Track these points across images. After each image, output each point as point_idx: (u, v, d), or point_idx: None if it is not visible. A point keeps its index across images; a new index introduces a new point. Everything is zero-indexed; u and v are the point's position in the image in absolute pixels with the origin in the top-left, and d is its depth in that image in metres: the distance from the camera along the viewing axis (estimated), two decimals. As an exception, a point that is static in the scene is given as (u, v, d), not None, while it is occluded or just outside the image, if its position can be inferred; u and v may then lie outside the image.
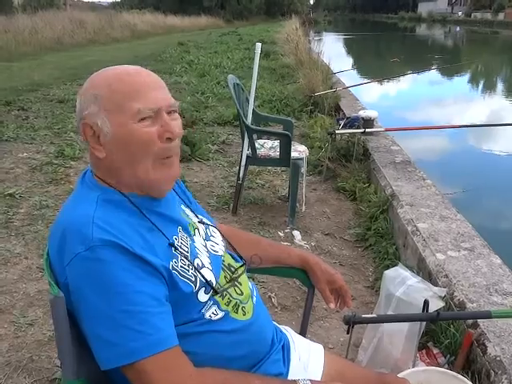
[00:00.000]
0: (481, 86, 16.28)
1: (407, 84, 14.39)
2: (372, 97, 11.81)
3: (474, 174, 6.39)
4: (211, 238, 1.21)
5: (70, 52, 15.35)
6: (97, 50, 16.30)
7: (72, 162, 4.66)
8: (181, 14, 39.00)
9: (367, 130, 4.35)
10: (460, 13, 77.88)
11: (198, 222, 1.22)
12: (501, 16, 61.43)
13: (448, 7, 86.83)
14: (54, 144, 5.23)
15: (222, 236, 1.27)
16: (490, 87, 15.61)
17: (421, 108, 10.87)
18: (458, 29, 57.32)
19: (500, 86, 16.28)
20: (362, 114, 4.89)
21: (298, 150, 3.59)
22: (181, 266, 1.02)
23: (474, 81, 17.43)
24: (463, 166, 6.73)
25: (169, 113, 1.03)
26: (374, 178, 4.01)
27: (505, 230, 4.74)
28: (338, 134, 4.34)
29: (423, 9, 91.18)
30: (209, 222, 1.26)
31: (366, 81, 11.29)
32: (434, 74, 16.29)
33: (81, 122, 1.01)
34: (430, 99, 12.19)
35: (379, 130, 4.51)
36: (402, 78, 14.04)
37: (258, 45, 3.55)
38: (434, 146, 7.37)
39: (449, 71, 17.07)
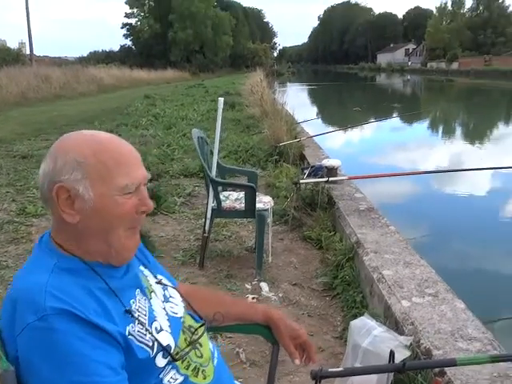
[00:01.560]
0: (440, 131, 16.96)
1: (371, 131, 14.86)
2: (336, 145, 12.14)
3: (436, 218, 6.56)
4: (170, 299, 1.20)
5: (35, 107, 15.34)
6: (63, 105, 16.35)
7: (34, 220, 4.58)
8: (147, 68, 39.73)
9: (331, 178, 4.45)
10: (416, 63, 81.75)
11: (156, 282, 1.21)
12: (455, 65, 64.83)
13: (405, 58, 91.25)
14: (15, 201, 5.14)
15: (182, 296, 1.26)
16: (448, 132, 16.27)
17: (384, 154, 11.22)
18: (408, 77, 60.12)
19: (458, 131, 17.00)
20: (325, 162, 5.00)
21: (263, 201, 3.64)
22: (138, 331, 1.01)
23: (433, 127, 18.16)
24: (426, 210, 6.90)
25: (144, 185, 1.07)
26: (339, 226, 4.07)
27: (467, 272, 4.83)
28: (303, 183, 4.42)
29: (382, 59, 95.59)
30: (168, 283, 1.26)
31: (330, 129, 11.66)
32: (396, 121, 16.93)
33: (56, 184, 0.99)
34: (392, 145, 12.60)
35: (343, 178, 4.62)
36: (365, 125, 14.56)
37: (221, 100, 3.64)
38: (398, 192, 7.57)
39: (410, 118, 17.79)
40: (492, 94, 35.45)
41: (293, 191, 4.49)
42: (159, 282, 1.22)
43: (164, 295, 1.19)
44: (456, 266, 4.94)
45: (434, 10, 79.51)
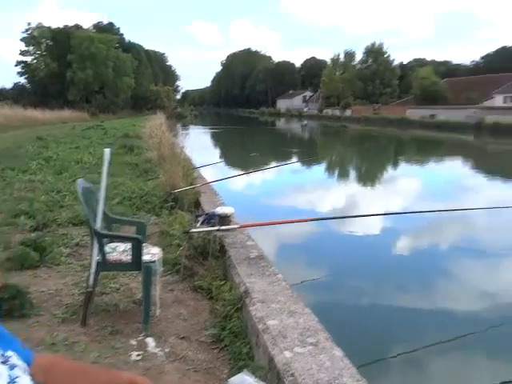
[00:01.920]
0: (336, 174, 17.92)
1: (271, 176, 15.32)
2: (237, 190, 12.34)
3: (331, 259, 6.86)
4: (16, 379, 1.12)
5: None
6: None
7: None
8: (42, 108, 38.12)
9: (222, 227, 4.49)
10: (313, 109, 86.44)
11: (2, 362, 1.13)
12: (348, 112, 69.40)
13: (303, 104, 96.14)
14: None
15: (32, 376, 1.18)
16: (343, 176, 17.24)
17: (284, 198, 11.58)
18: (305, 122, 63.55)
19: (352, 175, 18.07)
20: (218, 210, 5.04)
21: (151, 253, 3.57)
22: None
23: (330, 170, 19.16)
24: (321, 253, 7.18)
25: None
26: (229, 275, 4.09)
27: (357, 311, 5.07)
28: (193, 232, 4.41)
29: (281, 105, 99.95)
30: (16, 361, 1.17)
31: (231, 174, 11.83)
32: (295, 165, 17.66)
33: None
34: (292, 189, 13.06)
35: (234, 227, 4.67)
36: (266, 170, 15.01)
37: (107, 151, 3.58)
38: (295, 236, 7.80)
39: (309, 162, 18.68)
40: (380, 139, 38.30)
41: (184, 240, 4.46)
42: (6, 362, 1.14)
43: (10, 375, 1.11)
44: (349, 304, 5.17)
45: (329, 61, 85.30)
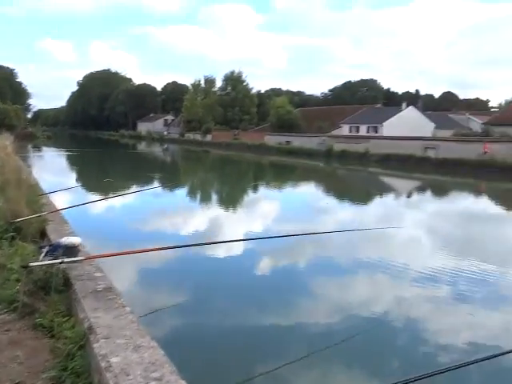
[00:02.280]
0: (198, 199, 18.01)
1: (132, 201, 14.86)
2: (92, 217, 11.77)
3: (187, 287, 6.82)
4: None
5: None
6: None
7: None
8: None
9: (66, 259, 4.22)
10: (175, 133, 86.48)
11: None
12: (209, 137, 70.67)
13: (164, 127, 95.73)
14: None
15: None
16: (206, 200, 17.39)
17: (144, 225, 11.25)
18: (166, 146, 63.63)
19: (214, 199, 18.31)
20: (64, 241, 4.74)
21: (-20, 292, 3.22)
22: None
23: (192, 195, 19.21)
24: (179, 280, 7.11)
25: None
26: (74, 310, 3.84)
27: (220, 334, 5.07)
28: (33, 266, 4.09)
29: (142, 128, 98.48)
30: None
31: (86, 200, 11.20)
32: (157, 190, 17.41)
33: None
34: (154, 215, 12.76)
35: (79, 258, 4.43)
36: (127, 195, 14.57)
37: None
38: (150, 264, 7.61)
39: (171, 187, 18.57)
40: (241, 164, 39.57)
41: (23, 274, 4.10)
42: None
43: None
44: (209, 328, 5.16)
45: (190, 86, 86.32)
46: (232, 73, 79.35)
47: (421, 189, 24.61)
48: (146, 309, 5.48)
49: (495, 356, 3.62)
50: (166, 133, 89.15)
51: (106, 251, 5.06)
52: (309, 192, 21.23)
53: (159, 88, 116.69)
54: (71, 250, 4.63)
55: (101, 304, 3.73)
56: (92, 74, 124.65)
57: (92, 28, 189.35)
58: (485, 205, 19.10)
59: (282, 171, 34.30)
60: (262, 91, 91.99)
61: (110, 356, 2.87)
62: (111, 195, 14.39)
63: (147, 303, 5.79)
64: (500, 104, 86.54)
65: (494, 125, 43.14)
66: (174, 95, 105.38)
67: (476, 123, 55.79)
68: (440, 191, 23.30)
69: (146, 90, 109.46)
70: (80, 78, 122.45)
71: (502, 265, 8.52)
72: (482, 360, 3.40)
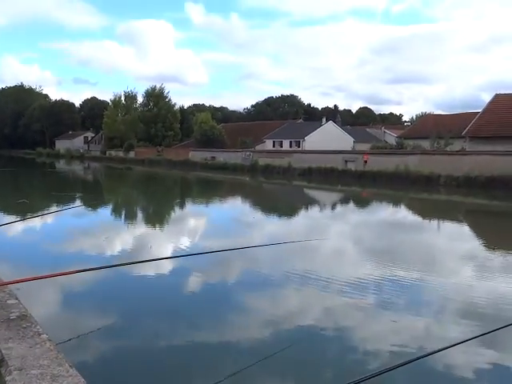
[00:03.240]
0: (123, 216, 17.45)
1: (52, 221, 14.18)
2: (6, 241, 11.01)
3: (113, 309, 6.51)
4: None
5: None
6: None
7: None
8: None
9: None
10: (96, 151, 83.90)
11: None
12: (132, 154, 69.19)
13: (85, 145, 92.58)
14: None
15: None
16: (131, 218, 16.87)
17: (66, 246, 10.68)
18: (87, 164, 61.92)
19: (139, 216, 17.82)
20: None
21: None
22: None
23: (117, 213, 18.59)
24: (104, 302, 6.79)
25: None
26: (-17, 342, 3.52)
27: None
28: None
29: (61, 145, 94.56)
30: None
31: (3, 221, 10.51)
32: (79, 209, 16.73)
33: None
34: (75, 235, 12.14)
35: (-11, 284, 4.09)
36: (46, 216, 13.88)
37: None
38: (74, 287, 7.22)
39: (94, 205, 17.88)
40: (166, 180, 39.00)
41: None
42: None
43: None
44: (137, 349, 4.93)
45: (110, 103, 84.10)
46: (153, 89, 78.37)
47: (343, 200, 25.44)
48: (67, 335, 5.17)
49: (419, 358, 3.73)
50: (82, 150, 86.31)
51: (22, 276, 4.72)
52: (236, 207, 21.28)
53: (78, 104, 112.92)
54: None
55: (14, 333, 3.46)
56: (3, 89, 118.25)
57: (3, 42, 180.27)
58: (403, 214, 20.05)
59: (209, 186, 34.18)
60: (185, 107, 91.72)
61: (24, 389, 2.64)
62: (29, 216, 13.62)
63: (68, 329, 5.47)
64: (412, 118, 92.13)
65: (408, 138, 45.72)
66: (93, 112, 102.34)
67: (391, 136, 58.78)
68: (361, 202, 24.20)
69: (63, 106, 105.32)
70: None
71: (422, 271, 8.92)
72: (408, 363, 3.49)
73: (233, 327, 5.95)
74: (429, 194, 27.58)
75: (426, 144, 38.76)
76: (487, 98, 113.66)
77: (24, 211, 14.92)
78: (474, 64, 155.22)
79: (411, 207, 22.38)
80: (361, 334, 5.76)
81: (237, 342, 5.45)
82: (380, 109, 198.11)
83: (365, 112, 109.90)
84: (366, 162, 37.38)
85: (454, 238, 13.43)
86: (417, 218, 18.82)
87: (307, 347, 5.37)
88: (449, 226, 16.25)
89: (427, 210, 20.98)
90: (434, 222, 17.37)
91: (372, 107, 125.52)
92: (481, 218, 18.58)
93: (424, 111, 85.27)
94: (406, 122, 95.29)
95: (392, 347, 5.34)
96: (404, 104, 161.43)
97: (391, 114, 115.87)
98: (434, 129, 40.33)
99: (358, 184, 32.97)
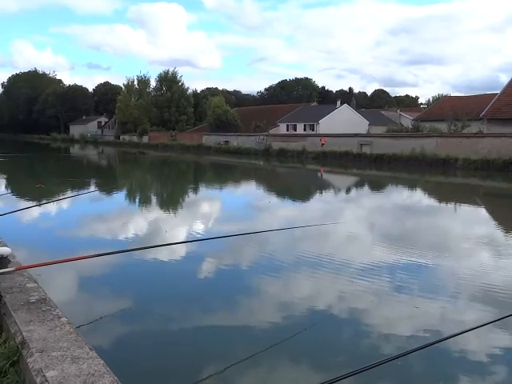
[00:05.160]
0: (138, 201, 17.58)
1: (69, 207, 14.38)
2: (25, 226, 11.21)
3: (130, 293, 6.62)
4: None
5: None
6: None
7: None
8: None
9: (-6, 270, 3.97)
10: (109, 136, 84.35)
11: None
12: (145, 139, 69.45)
13: (98, 130, 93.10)
14: None
15: None
16: (145, 202, 17.00)
17: (82, 230, 10.81)
18: (101, 149, 61.97)
19: (155, 201, 17.94)
20: (-8, 251, 4.47)
21: None
22: None
23: (131, 197, 18.75)
24: (121, 286, 6.89)
25: None
26: (4, 325, 3.62)
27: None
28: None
29: (75, 131, 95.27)
30: None
31: (17, 208, 10.63)
32: (95, 194, 16.95)
33: None
34: (92, 220, 12.27)
35: (9, 269, 4.18)
36: (62, 201, 14.07)
37: None
38: (90, 272, 7.32)
39: (109, 190, 18.08)
40: (179, 165, 39.12)
41: None
42: None
43: None
44: (155, 333, 5.02)
45: (123, 87, 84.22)
46: (166, 73, 78.31)
47: (358, 184, 25.32)
48: (85, 318, 5.27)
49: (435, 343, 3.75)
50: (100, 135, 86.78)
51: (39, 261, 4.82)
52: (250, 191, 21.30)
53: (91, 89, 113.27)
54: (1, 262, 4.37)
55: (34, 316, 3.54)
56: (17, 75, 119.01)
57: (15, 28, 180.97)
58: (419, 197, 19.92)
59: (222, 171, 34.24)
60: (198, 91, 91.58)
61: (45, 370, 2.72)
62: (44, 201, 13.81)
63: (86, 312, 5.57)
64: (428, 100, 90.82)
65: (424, 120, 45.18)
66: (107, 96, 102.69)
67: (407, 119, 58.15)
68: (376, 186, 24.07)
69: (77, 91, 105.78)
70: (4, 79, 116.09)
71: (438, 255, 8.89)
72: (423, 347, 3.51)
73: (246, 312, 6.01)
74: (445, 177, 27.33)
75: (442, 127, 38.29)
76: (505, 79, 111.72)
77: (40, 196, 15.10)
78: (491, 45, 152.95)
79: (427, 190, 22.21)
80: (375, 318, 5.78)
81: (250, 326, 5.51)
82: (395, 91, 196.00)
83: (380, 94, 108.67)
84: (323, 144, 41.21)
85: (472, 222, 13.33)
86: (433, 202, 18.67)
87: (321, 331, 5.40)
88: (466, 210, 16.11)
89: (444, 194, 20.80)
90: (451, 206, 17.23)
91: (387, 89, 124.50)
92: (499, 201, 18.37)
93: (441, 93, 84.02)
94: (422, 104, 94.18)
95: (407, 332, 5.36)
96: (420, 86, 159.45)
97: (407, 96, 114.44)
98: (451, 111, 39.75)
99: (373, 167, 32.76)
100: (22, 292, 4.05)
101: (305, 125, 58.27)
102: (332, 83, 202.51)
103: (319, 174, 31.74)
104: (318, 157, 39.02)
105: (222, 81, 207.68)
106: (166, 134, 66.79)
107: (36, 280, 4.43)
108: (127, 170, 35.93)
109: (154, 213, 14.28)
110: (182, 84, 78.56)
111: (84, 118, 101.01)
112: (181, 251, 8.78)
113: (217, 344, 4.96)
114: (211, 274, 7.77)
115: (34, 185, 17.07)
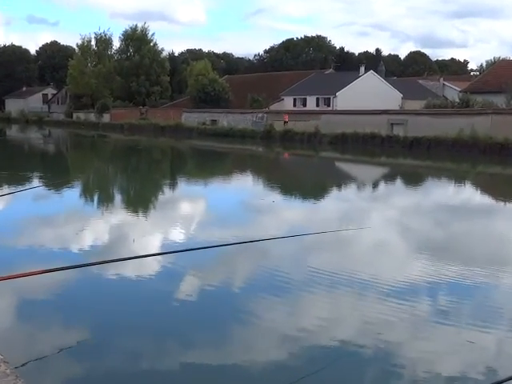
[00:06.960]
0: (96, 200, 17.56)
1: (5, 206, 14.37)
2: None
3: (86, 320, 6.62)
4: None
5: None
6: None
7: None
8: None
9: None
10: (59, 113, 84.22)
11: None
12: (106, 117, 69.47)
13: (44, 105, 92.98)
14: None
15: None
16: (106, 201, 16.97)
17: (20, 239, 10.80)
18: (48, 131, 61.88)
19: (117, 199, 17.93)
20: None
21: None
22: None
23: (87, 195, 18.71)
24: (74, 311, 6.89)
25: None
26: None
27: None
28: None
29: (12, 107, 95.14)
30: None
31: None
32: (38, 190, 16.91)
33: None
34: (34, 224, 12.28)
35: None
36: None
37: None
38: (31, 292, 7.32)
39: (58, 186, 18.03)
40: (152, 153, 39.13)
41: None
42: None
43: None
44: (116, 372, 5.02)
45: (77, 49, 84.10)
46: (134, 29, 78.28)
47: (388, 177, 25.37)
48: (27, 355, 5.26)
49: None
50: (46, 112, 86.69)
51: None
52: (245, 187, 21.30)
53: (33, 51, 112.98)
54: None
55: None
56: None
57: None
58: (468, 195, 19.95)
59: (209, 160, 34.25)
60: (176, 54, 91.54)
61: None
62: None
63: (28, 348, 5.57)
64: (481, 66, 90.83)
65: (475, 92, 45.06)
66: (54, 61, 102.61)
67: (453, 91, 58.20)
68: (412, 179, 24.11)
69: (14, 53, 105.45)
70: None
71: (493, 270, 8.90)
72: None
73: (240, 347, 5.99)
74: (503, 168, 27.40)
75: (500, 101, 38.34)
76: None
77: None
78: None
79: (480, 185, 22.26)
80: (411, 353, 5.79)
81: (245, 366, 5.49)
82: (438, 53, 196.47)
83: (417, 58, 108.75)
84: (286, 122, 44.43)
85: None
86: (487, 200, 18.72)
87: (340, 373, 5.41)
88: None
89: (501, 190, 20.85)
90: (511, 206, 17.27)
91: (427, 51, 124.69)
92: None
93: (497, 56, 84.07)
94: (472, 70, 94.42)
95: (453, 371, 5.37)
96: (470, 46, 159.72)
97: (453, 60, 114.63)
98: (511, 80, 39.83)
99: (407, 155, 32.79)
100: None
101: (318, 98, 58.32)
102: (353, 43, 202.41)
103: (335, 165, 31.80)
104: (336, 141, 39.00)
105: (208, 41, 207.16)
106: (133, 110, 66.75)
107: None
108: (82, 158, 35.93)
109: (118, 216, 14.27)
110: (155, 45, 78.57)
111: (24, 89, 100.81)
112: (153, 266, 8.77)
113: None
114: (194, 296, 7.76)
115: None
